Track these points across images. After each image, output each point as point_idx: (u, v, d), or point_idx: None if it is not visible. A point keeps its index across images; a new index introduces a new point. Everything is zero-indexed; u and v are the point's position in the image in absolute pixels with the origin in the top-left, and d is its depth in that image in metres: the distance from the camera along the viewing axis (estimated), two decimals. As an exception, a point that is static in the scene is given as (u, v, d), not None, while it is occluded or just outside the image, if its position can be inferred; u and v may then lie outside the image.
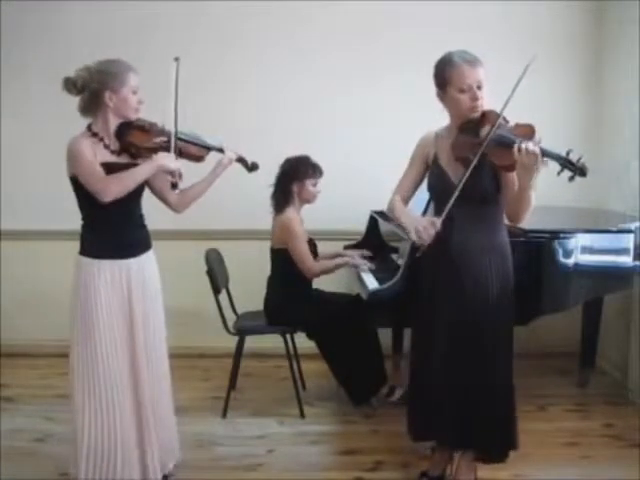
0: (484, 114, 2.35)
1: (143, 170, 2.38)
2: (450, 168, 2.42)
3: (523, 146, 2.16)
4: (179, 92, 2.47)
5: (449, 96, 2.37)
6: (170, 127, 2.47)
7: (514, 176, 2.34)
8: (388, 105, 4.06)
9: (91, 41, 3.87)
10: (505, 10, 4.03)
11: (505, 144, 2.23)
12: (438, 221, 2.28)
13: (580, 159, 2.14)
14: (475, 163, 2.28)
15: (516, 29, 4.03)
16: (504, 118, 2.34)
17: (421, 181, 2.57)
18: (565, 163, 2.15)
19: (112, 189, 2.31)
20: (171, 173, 2.44)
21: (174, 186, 2.47)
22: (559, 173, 2.17)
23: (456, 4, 3.99)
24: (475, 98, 2.32)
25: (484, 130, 2.31)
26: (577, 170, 2.13)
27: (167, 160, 2.42)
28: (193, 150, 2.55)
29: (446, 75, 2.35)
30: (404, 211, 2.48)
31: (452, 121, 2.45)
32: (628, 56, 3.70)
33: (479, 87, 2.32)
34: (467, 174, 2.28)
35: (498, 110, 2.31)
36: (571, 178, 2.15)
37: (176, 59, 2.48)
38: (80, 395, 2.40)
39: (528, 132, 2.24)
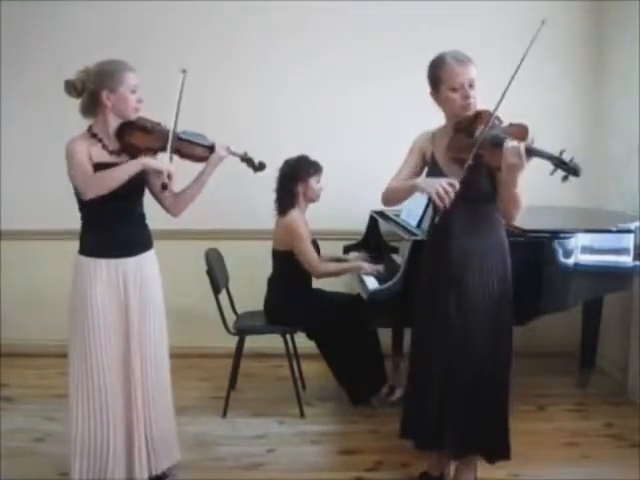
0: (478, 114, 2.35)
1: (127, 169, 2.35)
2: (447, 168, 2.42)
3: (509, 145, 2.15)
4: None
5: (442, 95, 2.38)
6: (170, 127, 2.46)
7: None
8: (388, 105, 4.06)
9: (91, 42, 3.87)
10: (505, 10, 4.03)
11: (498, 144, 2.22)
12: (456, 182, 2.25)
13: (572, 159, 2.10)
14: (470, 163, 2.27)
15: (516, 29, 4.01)
16: (498, 118, 2.33)
17: (418, 175, 2.53)
18: (558, 163, 2.12)
19: (91, 187, 2.31)
20: (160, 173, 2.38)
21: (164, 187, 2.39)
22: (552, 173, 2.14)
23: (455, 4, 3.99)
24: (467, 96, 2.33)
25: (478, 130, 2.30)
26: (570, 170, 2.10)
27: (153, 160, 2.41)
28: (195, 151, 2.54)
29: (438, 74, 2.36)
30: (413, 180, 2.45)
31: (447, 120, 2.46)
32: (628, 56, 3.70)
33: (471, 85, 2.33)
34: (463, 175, 2.26)
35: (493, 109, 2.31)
36: (564, 178, 2.11)
37: (183, 71, 2.46)
38: (74, 394, 2.41)
39: (521, 132, 2.22)
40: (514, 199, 2.30)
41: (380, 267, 3.34)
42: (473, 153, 2.26)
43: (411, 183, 2.43)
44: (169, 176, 2.37)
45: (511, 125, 2.31)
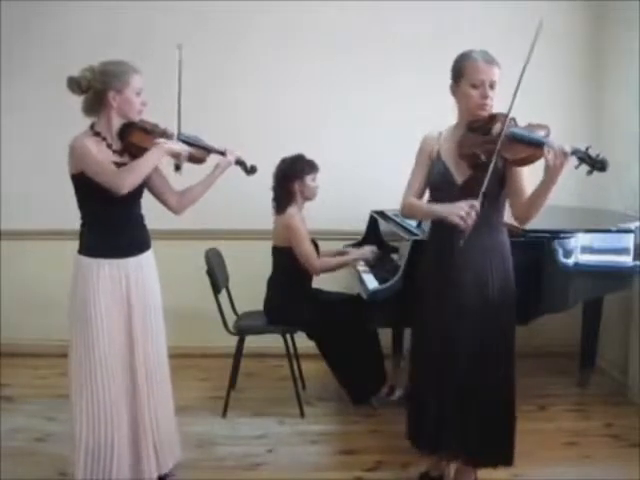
0: (494, 116, 2.34)
1: (153, 156, 2.39)
2: (453, 165, 2.41)
3: (555, 145, 2.14)
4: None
5: (461, 90, 2.37)
6: (172, 128, 2.49)
7: (522, 177, 2.34)
8: (388, 105, 4.06)
9: (91, 41, 3.87)
10: (505, 10, 4.03)
11: (524, 141, 2.22)
12: (477, 203, 2.25)
13: (599, 154, 2.13)
14: (486, 161, 2.25)
15: (516, 29, 4.01)
16: (513, 119, 2.33)
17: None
18: (584, 157, 2.13)
19: (126, 180, 2.32)
20: (177, 156, 2.46)
21: (177, 168, 2.49)
22: (577, 167, 2.16)
23: (455, 4, 3.99)
24: (485, 96, 2.33)
25: (495, 129, 2.29)
26: (597, 164, 2.11)
27: (172, 143, 2.46)
28: (194, 152, 2.56)
29: (461, 68, 2.36)
30: (431, 205, 2.46)
31: (460, 117, 2.45)
32: (628, 56, 3.70)
33: (491, 86, 2.33)
34: (488, 173, 2.25)
35: (504, 108, 2.31)
36: (589, 172, 2.14)
37: (179, 47, 2.48)
38: (77, 395, 2.41)
39: (543, 131, 2.24)
40: (545, 200, 2.28)
41: (373, 248, 3.43)
42: (496, 150, 2.24)
43: (431, 210, 2.43)
44: (185, 157, 2.48)
45: (532, 125, 2.31)
